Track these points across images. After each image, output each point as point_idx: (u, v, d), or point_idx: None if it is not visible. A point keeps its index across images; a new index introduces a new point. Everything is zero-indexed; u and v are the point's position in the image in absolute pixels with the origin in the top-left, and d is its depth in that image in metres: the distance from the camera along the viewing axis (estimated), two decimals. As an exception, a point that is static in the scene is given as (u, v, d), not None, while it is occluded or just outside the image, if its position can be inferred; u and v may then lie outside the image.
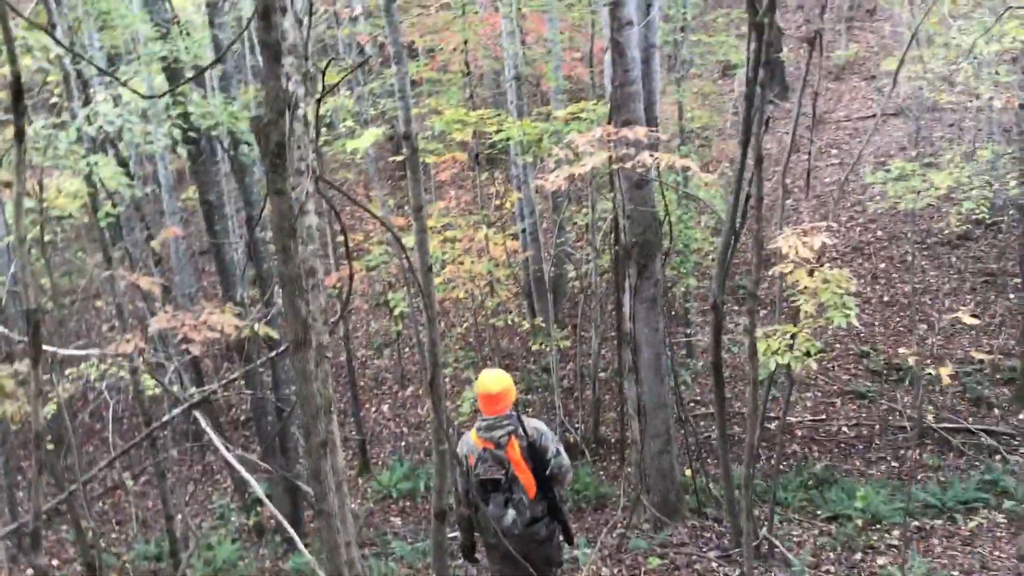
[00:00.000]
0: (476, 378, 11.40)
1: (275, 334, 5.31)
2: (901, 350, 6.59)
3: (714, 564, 7.57)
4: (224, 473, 13.56)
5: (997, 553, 7.96)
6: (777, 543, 7.73)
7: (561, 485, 4.96)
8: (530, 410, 14.36)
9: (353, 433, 13.81)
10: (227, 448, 4.65)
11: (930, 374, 13.64)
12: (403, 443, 14.46)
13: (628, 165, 7.26)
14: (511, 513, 4.64)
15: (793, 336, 6.60)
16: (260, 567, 8.17)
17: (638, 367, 8.96)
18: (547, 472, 4.77)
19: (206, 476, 13.27)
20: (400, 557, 7.84)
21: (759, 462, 11.63)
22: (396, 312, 11.57)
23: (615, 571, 7.63)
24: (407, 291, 12.67)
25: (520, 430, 4.78)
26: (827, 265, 6.79)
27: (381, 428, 15.04)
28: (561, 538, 5.11)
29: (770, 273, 6.65)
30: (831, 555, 8.06)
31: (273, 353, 5.16)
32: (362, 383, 16.25)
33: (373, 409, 15.54)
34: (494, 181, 16.26)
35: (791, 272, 6.57)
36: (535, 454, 4.76)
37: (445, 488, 6.24)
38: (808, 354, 6.43)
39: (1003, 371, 13.49)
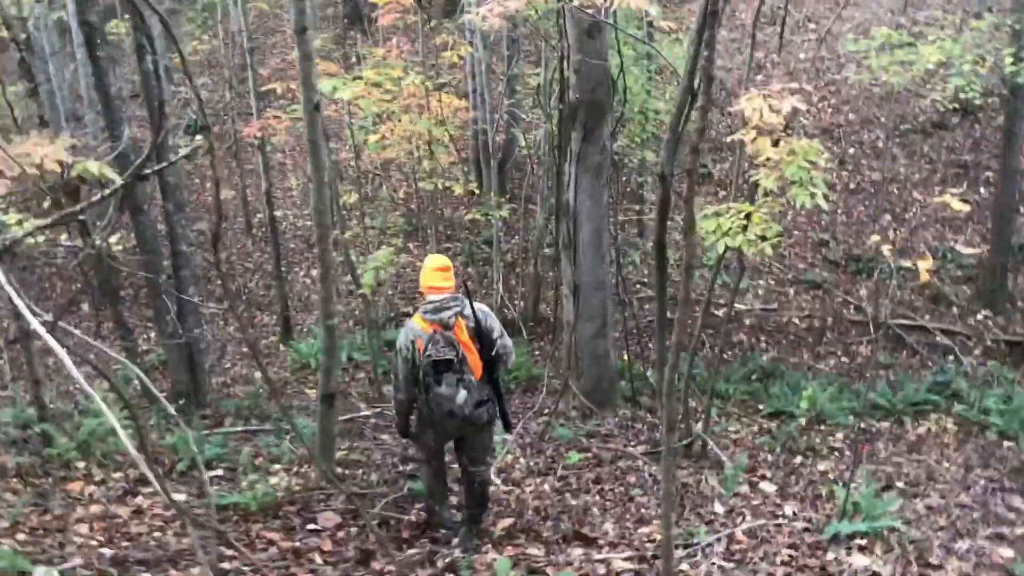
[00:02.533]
0: (389, 247, 10.41)
1: (114, 175, 4.26)
2: (874, 238, 5.70)
3: (640, 461, 6.88)
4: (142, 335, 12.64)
5: (945, 463, 7.38)
6: (710, 442, 7.05)
7: (504, 366, 5.01)
8: (469, 283, 13.49)
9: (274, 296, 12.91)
10: (35, 314, 3.68)
11: (889, 268, 13.07)
12: (340, 308, 13.59)
13: (577, 3, 6.15)
14: (463, 393, 4.66)
15: (748, 216, 5.71)
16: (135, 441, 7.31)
17: (576, 242, 8.06)
18: (492, 353, 4.77)
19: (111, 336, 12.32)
20: (292, 438, 7.04)
21: (702, 350, 10.98)
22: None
23: (532, 462, 6.92)
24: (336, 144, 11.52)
25: (466, 311, 4.75)
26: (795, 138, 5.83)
27: (309, 293, 14.12)
28: (497, 422, 5.06)
29: (728, 139, 5.67)
30: (769, 457, 7.42)
31: (99, 197, 4.13)
32: (292, 245, 15.27)
33: (301, 273, 14.60)
34: (443, 33, 14.87)
35: (753, 141, 5.60)
36: (481, 335, 4.75)
37: (334, 368, 5.39)
38: (764, 238, 5.55)
39: (965, 268, 12.86)
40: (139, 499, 5.52)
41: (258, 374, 11.00)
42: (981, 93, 10.70)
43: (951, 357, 11.04)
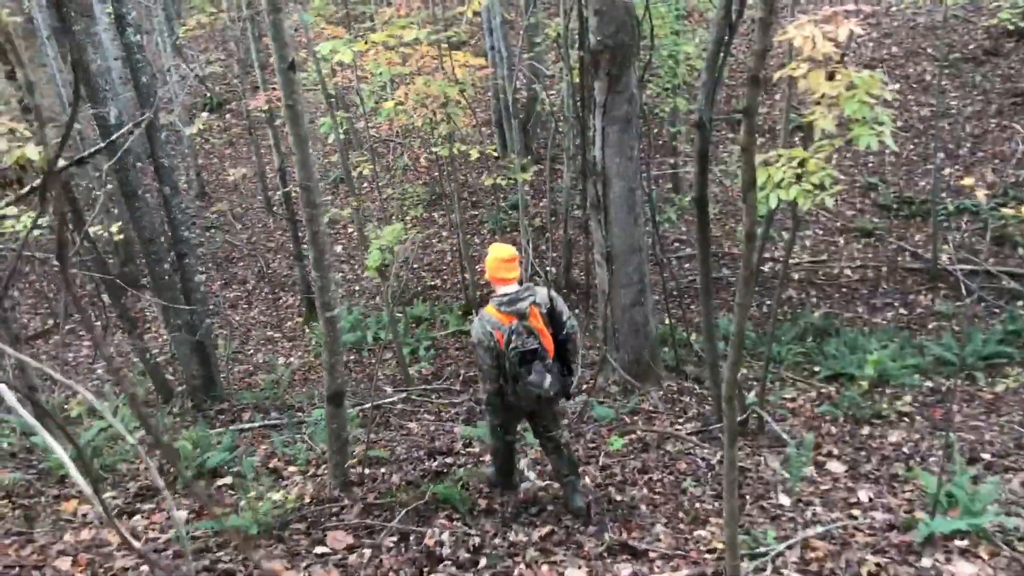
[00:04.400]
0: (403, 220, 9.74)
1: (35, 156, 3.62)
2: (966, 181, 4.90)
3: (691, 442, 6.21)
4: (154, 324, 12.20)
5: (1031, 424, 6.63)
6: (769, 419, 6.35)
7: (575, 344, 5.03)
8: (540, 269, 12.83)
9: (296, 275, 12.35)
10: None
11: (947, 209, 12.16)
12: (356, 288, 13.03)
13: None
14: (548, 378, 4.71)
15: (802, 163, 4.96)
16: (145, 439, 6.82)
17: (607, 203, 7.34)
18: (564, 333, 4.88)
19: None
20: (311, 435, 6.47)
21: (751, 309, 10.24)
22: (329, 139, 9.80)
23: (572, 449, 6.27)
24: (347, 113, 10.85)
25: (539, 297, 4.82)
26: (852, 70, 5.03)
27: (334, 271, 13.54)
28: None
29: (774, 79, 4.90)
30: (832, 429, 6.71)
31: (29, 188, 3.51)
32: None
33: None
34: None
35: (805, 75, 4.81)
36: (554, 319, 4.86)
37: (339, 364, 4.77)
38: (822, 187, 4.80)
39: (1030, 205, 11.91)
40: (136, 519, 4.98)
41: (281, 360, 10.48)
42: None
43: (1020, 303, 10.17)
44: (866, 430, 6.67)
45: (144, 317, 12.68)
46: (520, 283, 4.82)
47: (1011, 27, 12.69)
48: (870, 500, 4.95)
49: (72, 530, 4.78)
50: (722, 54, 5.33)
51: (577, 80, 7.47)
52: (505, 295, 4.69)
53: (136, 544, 3.07)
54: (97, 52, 7.04)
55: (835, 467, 5.70)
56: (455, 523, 4.64)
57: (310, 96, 13.80)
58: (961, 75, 14.56)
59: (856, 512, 4.76)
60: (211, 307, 12.82)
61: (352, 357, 10.46)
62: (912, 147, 13.82)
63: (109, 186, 9.67)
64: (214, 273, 14.09)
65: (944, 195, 12.38)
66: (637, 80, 7.15)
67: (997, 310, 10.16)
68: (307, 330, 11.73)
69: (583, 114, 7.38)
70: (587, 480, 5.48)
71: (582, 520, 4.85)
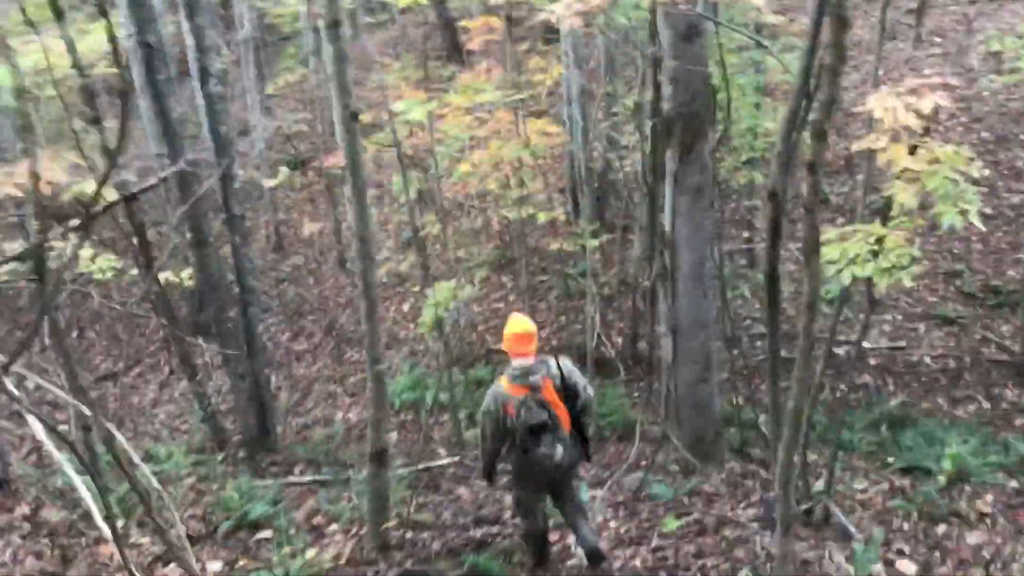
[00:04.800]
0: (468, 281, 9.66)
1: (113, 194, 3.63)
2: None
3: (751, 528, 5.87)
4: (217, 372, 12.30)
5: None
6: (835, 510, 5.98)
7: (590, 416, 5.15)
8: (563, 318, 12.70)
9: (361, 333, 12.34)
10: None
11: (1036, 300, 11.57)
12: (422, 347, 12.97)
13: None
14: (559, 449, 4.76)
15: (880, 240, 4.73)
16: (191, 486, 6.77)
17: (675, 274, 7.15)
18: (579, 405, 4.90)
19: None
20: (357, 493, 6.33)
21: (822, 393, 9.82)
22: (401, 200, 9.87)
23: (624, 527, 6.00)
24: (422, 173, 10.93)
25: (552, 371, 4.82)
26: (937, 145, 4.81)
27: (399, 330, 13.54)
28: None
29: (853, 149, 4.71)
30: (904, 525, 6.29)
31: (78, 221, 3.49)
32: (384, 279, 14.75)
33: (392, 308, 14.04)
34: (536, 53, 14.22)
35: (885, 148, 4.61)
36: (568, 391, 4.84)
37: (384, 421, 4.64)
38: (900, 266, 4.56)
39: None
40: (171, 567, 4.88)
41: (339, 415, 10.43)
42: None
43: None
44: (941, 529, 6.23)
45: (210, 365, 12.82)
46: (535, 355, 4.88)
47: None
48: (944, 606, 4.56)
49: (106, 575, 4.70)
50: (798, 122, 5.16)
51: (648, 149, 7.36)
52: (518, 368, 4.77)
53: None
54: (179, 102, 7.24)
55: (905, 567, 5.31)
56: (492, 597, 4.42)
57: (385, 156, 14.00)
58: (1057, 163, 14.04)
59: (928, 619, 4.38)
60: (277, 359, 12.94)
61: (409, 417, 10.35)
62: (1001, 235, 13.28)
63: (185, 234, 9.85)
64: (284, 325, 14.23)
65: (1034, 286, 11.82)
66: (711, 150, 7.00)
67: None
68: (369, 385, 11.68)
69: (654, 183, 7.24)
70: (637, 562, 5.21)
71: (598, 559, 4.96)
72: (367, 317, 4.36)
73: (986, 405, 10.05)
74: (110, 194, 3.70)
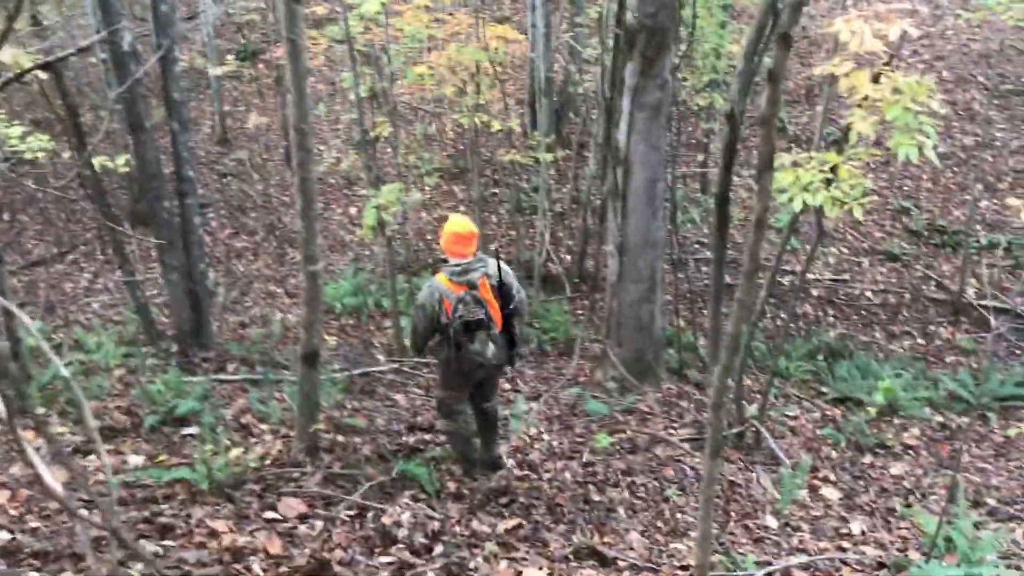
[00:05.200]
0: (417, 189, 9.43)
1: (26, 62, 3.36)
2: (1012, 201, 4.54)
3: (682, 448, 5.91)
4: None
5: (1041, 474, 6.30)
6: (767, 435, 6.05)
7: (521, 318, 5.20)
8: (513, 233, 12.57)
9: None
10: None
11: (979, 242, 11.75)
12: (368, 252, 12.76)
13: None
14: (491, 347, 4.84)
15: (834, 169, 4.65)
16: (119, 378, 6.59)
17: (626, 193, 7.03)
18: (511, 307, 4.95)
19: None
20: (290, 394, 6.22)
21: (762, 319, 9.89)
22: (351, 96, 9.49)
23: (556, 442, 6.00)
24: (376, 72, 10.55)
25: (490, 269, 4.90)
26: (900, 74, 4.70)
27: (345, 234, 13.29)
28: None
29: (816, 72, 4.56)
30: (832, 453, 6.41)
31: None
32: (332, 180, 14.41)
33: (339, 211, 13.76)
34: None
35: (848, 74, 4.50)
36: (504, 292, 4.91)
37: (317, 323, 4.50)
38: (853, 198, 4.49)
39: (1066, 248, 11.48)
40: (90, 458, 4.74)
41: (277, 315, 10.24)
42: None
43: (1043, 346, 9.80)
44: (868, 459, 6.37)
45: (147, 255, 12.47)
46: (474, 255, 4.90)
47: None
48: (863, 533, 4.65)
49: (25, 463, 4.55)
50: (763, 43, 5.00)
51: (608, 62, 7.14)
52: (458, 265, 4.80)
53: (53, 485, 2.83)
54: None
55: (830, 494, 5.40)
56: (419, 504, 4.38)
57: (338, 51, 13.49)
58: (1010, 107, 14.10)
59: (846, 544, 4.47)
60: (217, 255, 12.63)
61: (350, 322, 10.22)
62: (951, 175, 13.39)
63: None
64: (226, 220, 13.87)
65: (978, 227, 11.98)
66: (672, 66, 6.82)
67: (1019, 351, 9.79)
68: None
69: (612, 96, 7.05)
70: (567, 475, 5.21)
71: (491, 471, 5.08)
72: (303, 214, 4.17)
73: (921, 341, 10.25)
74: (21, 59, 3.44)
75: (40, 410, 5.41)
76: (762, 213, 2.27)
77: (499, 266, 4.94)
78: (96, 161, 7.87)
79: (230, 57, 13.93)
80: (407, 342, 5.32)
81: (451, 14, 11.05)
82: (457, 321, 4.71)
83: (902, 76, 4.55)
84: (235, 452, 4.47)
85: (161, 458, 4.67)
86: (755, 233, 2.25)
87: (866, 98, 4.42)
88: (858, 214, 4.51)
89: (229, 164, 15.11)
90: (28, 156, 7.81)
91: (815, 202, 4.44)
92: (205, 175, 14.70)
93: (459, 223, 4.86)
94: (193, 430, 5.39)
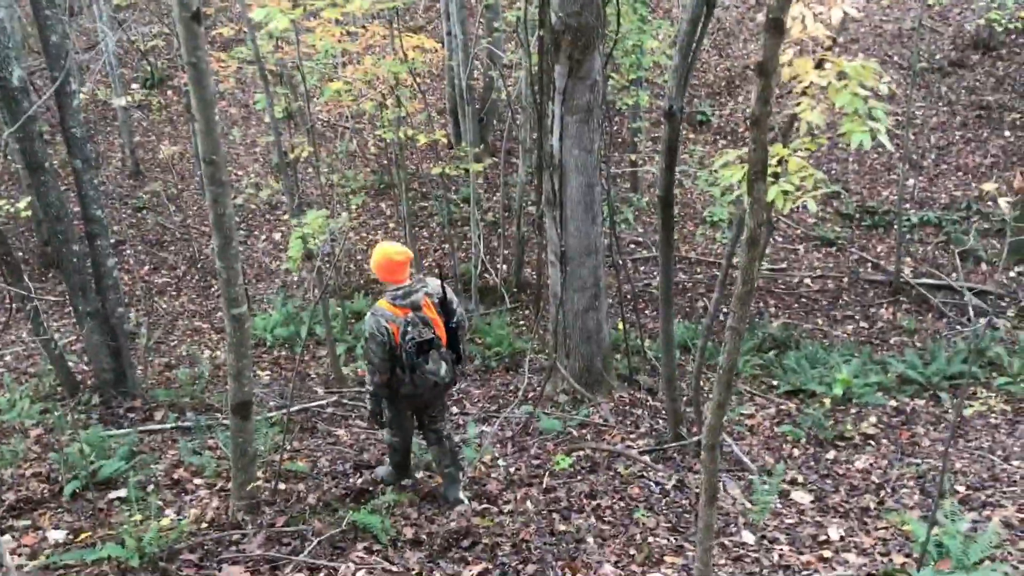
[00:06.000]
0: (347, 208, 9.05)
1: None
2: (987, 186, 4.34)
3: (642, 462, 5.66)
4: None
5: (1001, 453, 6.22)
6: (728, 439, 5.84)
7: (464, 332, 5.16)
8: (446, 246, 12.25)
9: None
10: None
11: (910, 221, 11.83)
12: (296, 279, 12.30)
13: None
14: (443, 366, 4.86)
15: (781, 161, 4.43)
16: (36, 438, 6.08)
17: (563, 199, 6.78)
18: (454, 322, 4.98)
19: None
20: (224, 442, 5.79)
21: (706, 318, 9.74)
22: (266, 118, 9.06)
23: (513, 467, 5.70)
24: (291, 91, 10.14)
25: (430, 288, 4.91)
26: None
27: (271, 259, 12.80)
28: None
29: (752, 61, 4.32)
30: (794, 451, 6.24)
31: None
32: (252, 206, 13.88)
33: (263, 238, 13.25)
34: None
35: (790, 62, 4.27)
36: (446, 308, 4.95)
37: (247, 369, 4.12)
38: (804, 190, 4.27)
39: (994, 220, 11.63)
40: (5, 538, 4.27)
41: (204, 353, 9.73)
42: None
43: (983, 320, 9.85)
44: (831, 454, 6.21)
45: (63, 304, 11.80)
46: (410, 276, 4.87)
47: (1000, 27, 12.35)
48: (841, 539, 4.45)
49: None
50: (697, 35, 4.79)
51: (536, 64, 6.88)
52: (399, 289, 4.75)
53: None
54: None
55: (801, 497, 5.21)
56: (374, 557, 4.03)
57: (250, 72, 13.02)
58: (927, 85, 14.29)
59: (827, 553, 4.25)
60: (136, 294, 12.02)
61: (283, 354, 9.76)
62: (876, 155, 13.51)
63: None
64: (144, 257, 13.24)
65: (908, 206, 12.07)
66: (601, 66, 6.59)
67: (959, 326, 9.83)
68: (239, 321, 10.97)
69: (541, 101, 6.80)
70: (529, 505, 4.92)
71: (457, 508, 4.93)
72: (221, 253, 3.79)
73: (864, 325, 10.22)
74: None
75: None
76: (756, 230, 2.02)
77: (442, 285, 4.94)
78: (-3, 207, 7.33)
79: (135, 86, 13.32)
80: (368, 380, 5.01)
81: (364, 27, 10.69)
82: (409, 344, 4.68)
83: (846, 61, 4.38)
84: (167, 518, 4.05)
85: (85, 533, 4.22)
86: (749, 253, 1.99)
87: (811, 86, 4.21)
88: (812, 207, 4.31)
89: (143, 197, 14.46)
90: (-82, 207, 7.24)
91: (766, 197, 4.23)
92: (118, 210, 14.03)
93: (391, 250, 4.76)
94: (121, 493, 4.94)
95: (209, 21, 13.18)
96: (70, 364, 8.40)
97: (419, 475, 5.43)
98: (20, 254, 12.98)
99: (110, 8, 15.03)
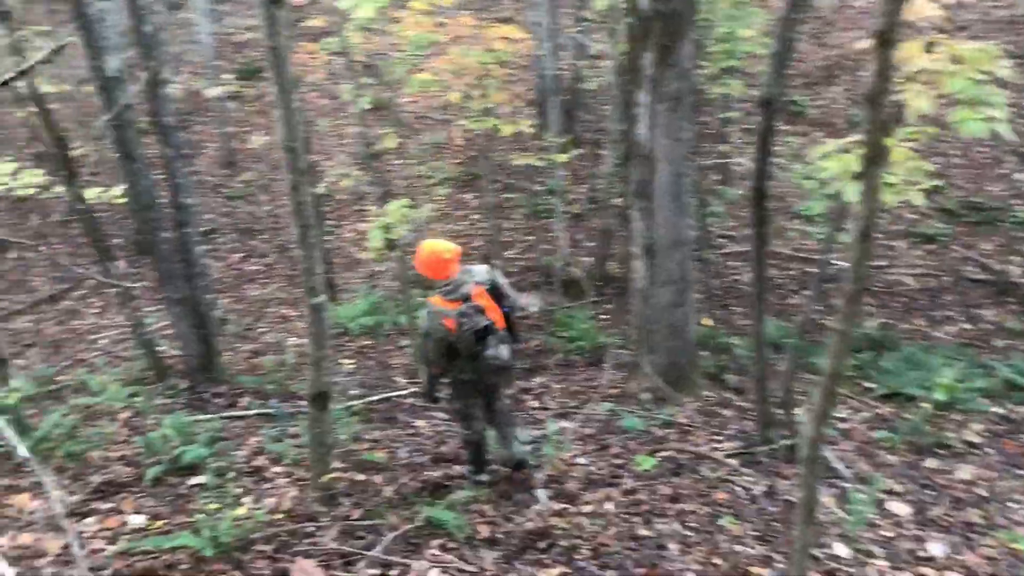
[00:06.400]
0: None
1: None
2: None
3: (729, 465, 5.44)
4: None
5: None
6: (823, 447, 5.55)
7: (515, 312, 5.18)
8: (530, 238, 12.15)
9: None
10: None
11: (1016, 217, 11.19)
12: (383, 268, 12.36)
13: None
14: (504, 348, 4.86)
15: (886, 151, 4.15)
16: (124, 422, 6.21)
17: (651, 190, 6.57)
18: (508, 304, 5.03)
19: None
20: (300, 432, 5.79)
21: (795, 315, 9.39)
22: (355, 108, 9.08)
23: (595, 466, 5.55)
24: (377, 81, 10.16)
25: (478, 277, 4.96)
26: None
27: (358, 250, 12.89)
28: None
29: (857, 47, 4.09)
30: (891, 459, 5.91)
31: None
32: (342, 197, 14.02)
33: (350, 228, 13.37)
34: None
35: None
36: (497, 292, 5.00)
37: (326, 359, 4.07)
38: (911, 183, 4.03)
39: (1113, 218, 10.89)
40: (88, 521, 4.33)
41: (292, 340, 9.84)
42: None
43: (1100, 324, 9.22)
44: (931, 463, 5.86)
45: (157, 290, 12.12)
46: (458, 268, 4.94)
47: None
48: (945, 556, 4.17)
49: (13, 531, 4.14)
50: (797, 17, 4.54)
51: (624, 52, 6.69)
52: (448, 283, 4.85)
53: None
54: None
55: (899, 508, 4.92)
56: (449, 555, 3.94)
57: (339, 63, 13.13)
58: (1041, 73, 13.50)
59: (929, 571, 3.98)
60: (227, 281, 12.26)
61: (367, 343, 9.80)
62: (982, 149, 12.83)
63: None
64: (235, 245, 13.51)
65: (1014, 202, 11.43)
66: (692, 53, 6.35)
67: (1072, 331, 9.23)
68: (325, 310, 11.07)
69: (630, 89, 6.59)
70: (609, 507, 4.76)
71: (519, 471, 5.11)
72: (301, 242, 3.75)
73: (967, 326, 9.70)
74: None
75: (36, 467, 5.01)
76: (868, 221, 1.82)
77: (487, 270, 5.06)
78: (91, 193, 7.52)
79: (225, 75, 13.58)
80: (423, 379, 5.23)
81: (450, 19, 10.64)
82: (466, 334, 4.73)
83: (958, 45, 4.08)
84: (241, 508, 4.04)
85: (162, 520, 4.24)
86: (860, 246, 1.80)
87: (920, 71, 3.94)
88: (918, 201, 4.03)
89: (236, 187, 14.77)
90: (20, 193, 7.47)
91: (870, 191, 3.97)
92: (211, 199, 14.36)
93: (440, 247, 4.90)
94: (202, 479, 4.97)
95: (301, 12, 13.34)
96: (161, 350, 8.60)
97: (542, 500, 5.19)
98: (118, 241, 13.40)
99: (209, 0, 15.35)
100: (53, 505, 4.14)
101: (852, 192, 3.95)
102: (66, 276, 11.86)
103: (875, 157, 1.86)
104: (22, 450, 2.35)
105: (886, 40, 1.84)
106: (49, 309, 11.81)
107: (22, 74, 3.09)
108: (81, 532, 4.14)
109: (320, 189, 10.68)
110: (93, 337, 10.37)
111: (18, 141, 14.78)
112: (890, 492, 5.16)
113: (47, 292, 12.17)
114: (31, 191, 7.50)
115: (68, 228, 13.63)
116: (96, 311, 11.43)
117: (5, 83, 2.95)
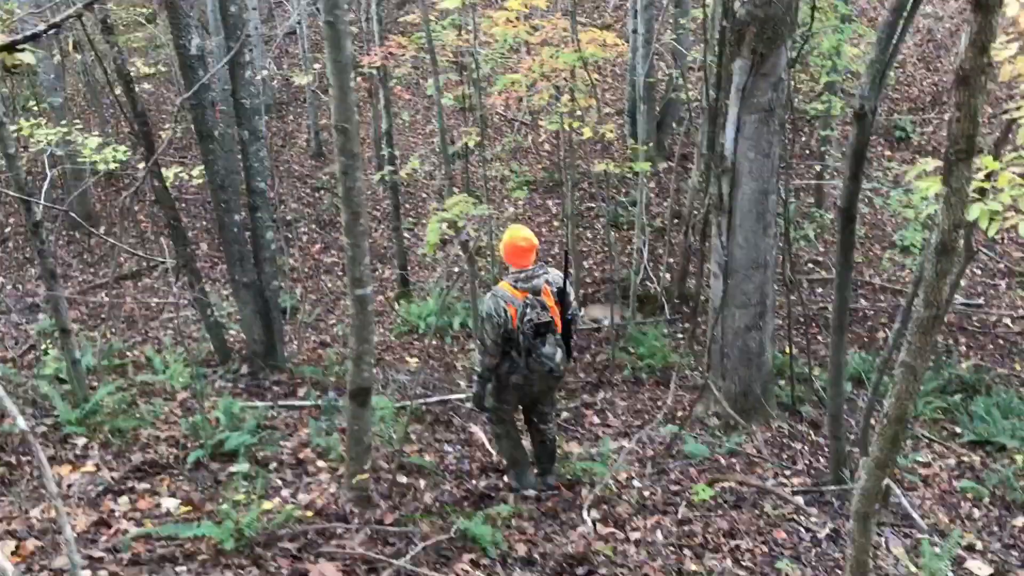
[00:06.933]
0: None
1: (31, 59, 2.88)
2: None
3: (794, 503, 5.08)
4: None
5: None
6: (896, 489, 5.15)
7: (576, 325, 5.26)
8: (609, 248, 11.85)
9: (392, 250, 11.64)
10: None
11: None
12: (456, 269, 12.24)
13: None
14: (559, 351, 4.89)
15: (990, 176, 3.80)
16: (181, 402, 6.17)
17: (732, 206, 6.24)
18: (569, 313, 5.02)
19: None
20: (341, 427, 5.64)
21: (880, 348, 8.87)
22: (438, 103, 8.96)
23: (648, 490, 5.25)
24: (463, 78, 10.03)
25: (551, 277, 4.99)
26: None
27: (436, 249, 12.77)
28: None
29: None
30: (975, 512, 5.46)
31: None
32: (424, 194, 13.98)
33: (427, 224, 13.26)
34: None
35: (1012, 58, 3.66)
36: (563, 298, 4.99)
37: (368, 354, 3.90)
38: (1017, 210, 3.64)
39: None
40: (121, 500, 4.25)
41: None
42: None
43: None
44: (1020, 520, 5.39)
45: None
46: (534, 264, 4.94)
47: None
48: (1028, 630, 3.75)
49: (47, 505, 4.08)
50: (900, 27, 4.18)
51: (715, 59, 6.38)
52: (521, 272, 4.85)
53: None
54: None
55: (977, 567, 4.49)
56: (479, 571, 3.71)
57: (426, 58, 13.09)
58: None
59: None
60: (306, 271, 12.33)
61: (435, 341, 9.66)
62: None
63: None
64: (316, 235, 13.59)
65: None
66: (787, 63, 6.00)
67: None
68: (397, 306, 11.01)
69: (717, 97, 6.28)
70: (659, 536, 4.46)
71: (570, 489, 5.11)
72: (348, 230, 3.58)
73: (1070, 375, 9.03)
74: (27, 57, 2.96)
75: (81, 441, 4.98)
76: (951, 233, 1.54)
77: (565, 274, 5.03)
78: (171, 172, 7.56)
79: (316, 66, 13.68)
80: (476, 362, 4.96)
81: (539, 22, 10.46)
82: (527, 325, 4.75)
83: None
84: (277, 500, 3.90)
85: (188, 507, 4.12)
86: (938, 265, 1.52)
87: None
88: (1023, 229, 3.65)
89: (322, 178, 14.87)
90: (101, 167, 7.57)
91: (970, 216, 3.60)
92: (298, 189, 14.49)
93: (520, 234, 4.91)
94: (243, 467, 4.86)
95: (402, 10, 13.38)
96: (231, 333, 8.62)
97: (587, 523, 5.00)
98: (203, 223, 13.63)
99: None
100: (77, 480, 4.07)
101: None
102: (141, 256, 12.03)
103: (963, 152, 1.56)
104: (21, 422, 2.23)
105: (984, 4, 1.54)
106: (130, 285, 12.05)
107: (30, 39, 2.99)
108: (112, 511, 4.05)
109: (395, 177, 10.64)
110: (167, 316, 10.49)
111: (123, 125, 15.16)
112: (970, 548, 4.73)
113: (130, 269, 12.42)
114: (113, 166, 7.60)
115: (156, 207, 13.92)
116: (176, 291, 11.58)
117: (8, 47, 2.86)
